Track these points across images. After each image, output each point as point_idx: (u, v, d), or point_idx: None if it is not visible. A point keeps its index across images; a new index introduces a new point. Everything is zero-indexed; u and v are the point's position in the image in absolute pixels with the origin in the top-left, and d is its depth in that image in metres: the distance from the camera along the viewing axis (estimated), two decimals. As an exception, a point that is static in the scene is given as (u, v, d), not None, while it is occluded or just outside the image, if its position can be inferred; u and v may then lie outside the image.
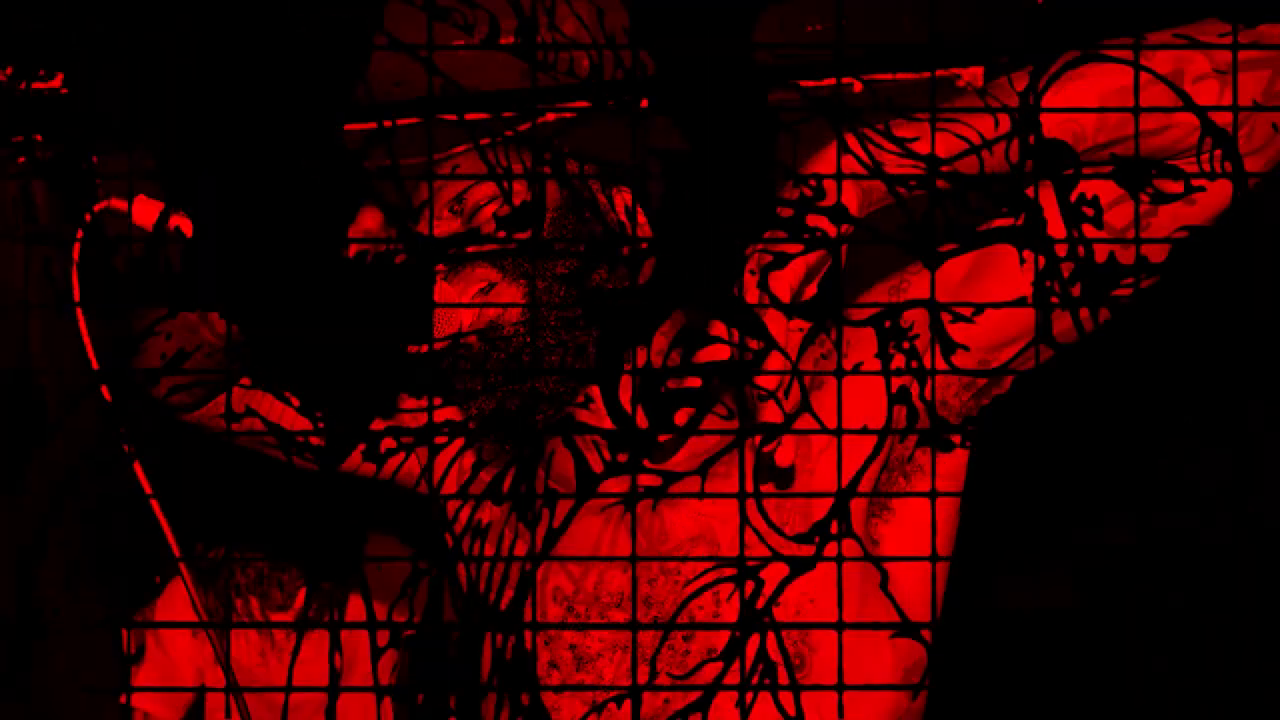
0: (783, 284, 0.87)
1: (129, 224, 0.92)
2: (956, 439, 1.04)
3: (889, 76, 2.51)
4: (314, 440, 1.19)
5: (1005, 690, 2.92)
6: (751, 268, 0.91)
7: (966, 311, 0.98)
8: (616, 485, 1.10)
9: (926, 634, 1.07)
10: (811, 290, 0.91)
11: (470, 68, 1.97)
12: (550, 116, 2.15)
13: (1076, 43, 0.91)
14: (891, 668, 1.04)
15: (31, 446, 2.52)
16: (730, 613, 1.02)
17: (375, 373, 1.20)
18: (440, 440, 1.20)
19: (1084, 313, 0.98)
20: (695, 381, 0.97)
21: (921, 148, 0.90)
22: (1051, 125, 0.89)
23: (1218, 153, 0.90)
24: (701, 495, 1.04)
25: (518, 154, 1.16)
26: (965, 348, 0.98)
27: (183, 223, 0.91)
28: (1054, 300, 0.98)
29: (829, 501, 1.02)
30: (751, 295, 0.88)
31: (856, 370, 1.01)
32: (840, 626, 0.98)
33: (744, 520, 1.01)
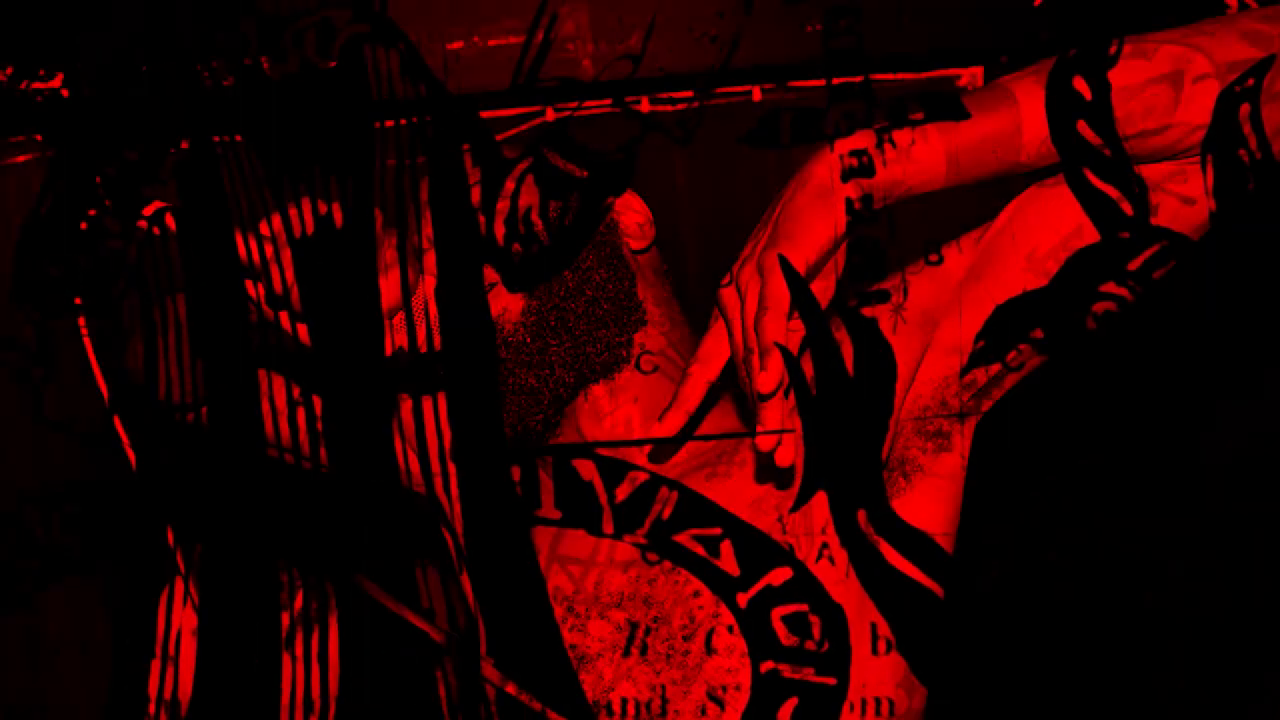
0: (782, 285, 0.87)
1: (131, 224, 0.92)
2: (956, 439, 1.05)
3: (889, 77, 2.51)
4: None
5: (1005, 691, 2.91)
6: (751, 267, 0.91)
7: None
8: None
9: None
10: (812, 288, 0.91)
11: (469, 68, 1.96)
12: (551, 116, 2.15)
13: (1076, 43, 0.91)
14: (893, 669, 1.04)
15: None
16: (729, 613, 1.02)
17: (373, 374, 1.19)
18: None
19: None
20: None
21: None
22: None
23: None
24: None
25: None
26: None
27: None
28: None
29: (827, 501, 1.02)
30: (752, 297, 0.88)
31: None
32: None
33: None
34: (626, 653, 1.04)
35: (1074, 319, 0.95)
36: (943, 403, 1.03)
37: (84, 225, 0.94)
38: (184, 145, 1.00)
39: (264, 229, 0.94)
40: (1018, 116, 0.89)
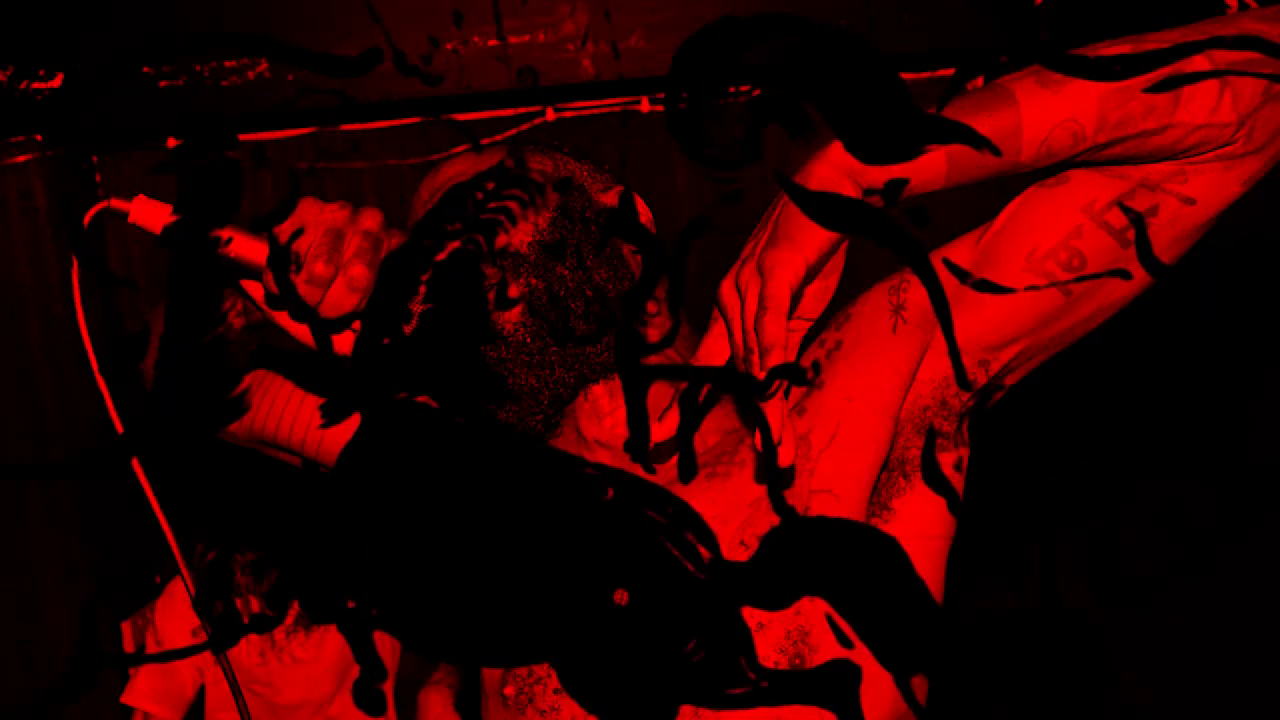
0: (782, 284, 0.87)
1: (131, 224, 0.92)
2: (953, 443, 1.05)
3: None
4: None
5: (1005, 692, 2.92)
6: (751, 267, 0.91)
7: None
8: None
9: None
10: (811, 289, 0.91)
11: (469, 69, 1.97)
12: (551, 116, 2.15)
13: (1078, 44, 0.91)
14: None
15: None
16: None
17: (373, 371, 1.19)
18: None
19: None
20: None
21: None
22: (1052, 126, 0.89)
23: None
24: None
25: (516, 155, 1.15)
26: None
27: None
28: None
29: (828, 500, 1.02)
30: (752, 297, 0.88)
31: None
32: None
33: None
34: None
35: None
36: (943, 403, 1.03)
37: (86, 222, 0.94)
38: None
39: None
40: (1018, 116, 0.89)
